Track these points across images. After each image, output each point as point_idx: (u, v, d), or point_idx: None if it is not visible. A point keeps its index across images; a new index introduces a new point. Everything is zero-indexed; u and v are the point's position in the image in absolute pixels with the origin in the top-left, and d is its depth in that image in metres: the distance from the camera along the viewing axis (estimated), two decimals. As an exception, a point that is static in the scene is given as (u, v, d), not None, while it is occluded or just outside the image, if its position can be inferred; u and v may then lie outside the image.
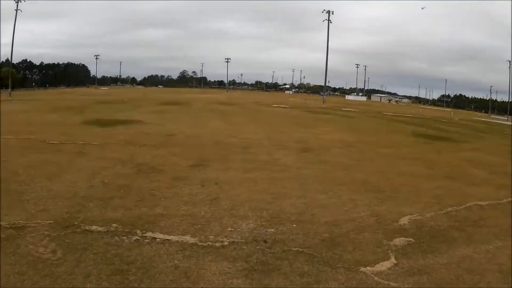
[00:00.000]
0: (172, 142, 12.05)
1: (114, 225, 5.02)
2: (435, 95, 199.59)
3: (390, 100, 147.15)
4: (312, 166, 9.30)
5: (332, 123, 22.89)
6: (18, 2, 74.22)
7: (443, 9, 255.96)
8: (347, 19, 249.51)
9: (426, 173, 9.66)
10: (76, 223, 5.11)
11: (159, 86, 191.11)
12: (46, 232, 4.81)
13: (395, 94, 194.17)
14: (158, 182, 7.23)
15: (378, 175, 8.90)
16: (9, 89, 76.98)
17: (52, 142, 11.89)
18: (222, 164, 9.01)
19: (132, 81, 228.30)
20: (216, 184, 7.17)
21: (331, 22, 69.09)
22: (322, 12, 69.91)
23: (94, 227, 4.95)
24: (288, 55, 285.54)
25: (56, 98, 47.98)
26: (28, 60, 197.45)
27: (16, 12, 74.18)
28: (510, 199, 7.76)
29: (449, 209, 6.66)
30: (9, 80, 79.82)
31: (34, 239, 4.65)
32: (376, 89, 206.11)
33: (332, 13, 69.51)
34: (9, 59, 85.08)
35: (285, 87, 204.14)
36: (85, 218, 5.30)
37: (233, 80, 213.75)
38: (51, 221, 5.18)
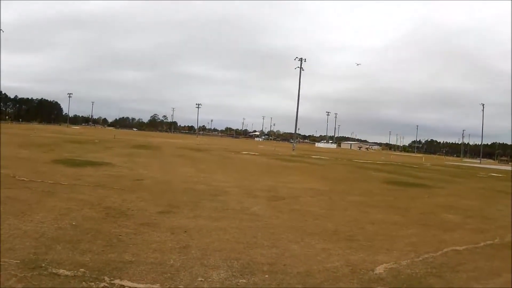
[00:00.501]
0: (141, 187, 11.93)
1: (82, 269, 4.92)
2: (406, 141, 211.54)
3: (360, 147, 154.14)
4: (282, 215, 9.21)
5: (302, 171, 22.91)
6: None
7: (418, 54, 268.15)
8: (320, 66, 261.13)
9: (400, 221, 9.62)
10: (43, 265, 4.98)
11: (133, 129, 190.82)
12: (13, 272, 4.67)
13: (365, 141, 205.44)
14: (126, 227, 7.14)
15: (350, 224, 8.84)
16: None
17: (22, 178, 11.63)
18: (192, 212, 8.94)
19: (104, 122, 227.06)
20: (185, 232, 7.12)
21: (303, 70, 71.20)
22: (295, 59, 72.15)
23: (61, 271, 4.83)
24: (259, 101, 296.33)
25: (27, 134, 47.07)
26: (3, 93, 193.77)
27: None
28: (488, 242, 7.75)
29: (426, 255, 6.57)
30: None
31: (1, 279, 4.54)
32: (346, 136, 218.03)
33: (305, 61, 71.78)
34: None
35: (254, 134, 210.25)
36: (52, 260, 5.18)
37: (203, 126, 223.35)
38: (18, 261, 5.03)
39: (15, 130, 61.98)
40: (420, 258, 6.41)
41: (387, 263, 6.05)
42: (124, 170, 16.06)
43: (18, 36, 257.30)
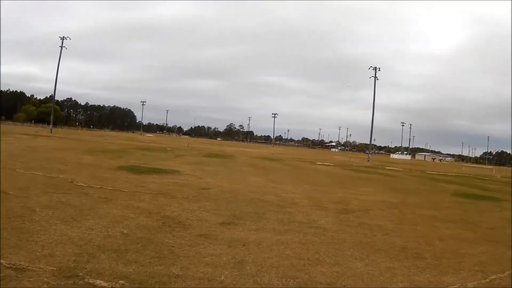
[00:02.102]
0: (205, 196, 12.03)
1: (121, 281, 4.84)
2: (478, 153, 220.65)
3: (434, 159, 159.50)
4: (350, 230, 9.10)
5: (375, 182, 23.29)
6: (63, 40, 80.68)
7: (489, 63, 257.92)
8: (393, 75, 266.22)
9: (469, 237, 9.56)
10: (81, 274, 5.00)
11: (218, 138, 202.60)
12: (45, 279, 4.73)
13: (439, 152, 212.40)
14: (181, 238, 7.07)
15: (419, 239, 8.70)
16: (51, 125, 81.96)
17: (80, 184, 12.22)
18: (255, 223, 8.81)
19: (179, 130, 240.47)
20: (244, 245, 6.92)
21: (377, 79, 75.62)
22: (369, 68, 76.49)
23: (98, 281, 4.80)
24: (335, 111, 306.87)
25: (97, 140, 50.44)
26: (73, 99, 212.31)
27: (61, 49, 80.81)
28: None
29: (493, 277, 6.41)
30: (51, 116, 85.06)
31: (31, 284, 4.59)
32: (420, 147, 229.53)
33: (379, 70, 76.00)
34: (53, 95, 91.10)
35: (331, 145, 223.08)
36: (92, 269, 5.19)
37: (280, 135, 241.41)
38: (54, 268, 5.11)
39: (84, 136, 67.01)
40: (487, 280, 6.35)
41: (453, 285, 5.98)
42: (191, 178, 16.40)
43: (92, 44, 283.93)
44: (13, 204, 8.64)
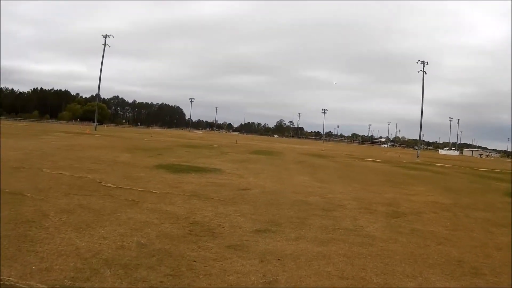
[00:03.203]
0: (244, 198, 11.41)
1: (120, 308, 4.18)
2: None
3: (481, 155, 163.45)
4: (401, 238, 8.35)
5: (426, 180, 22.98)
6: (106, 38, 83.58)
7: None
8: (442, 69, 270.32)
9: None
10: (74, 296, 4.38)
11: (274, 135, 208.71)
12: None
13: (485, 148, 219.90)
14: (207, 250, 6.35)
15: (476, 249, 8.07)
16: (95, 123, 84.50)
17: (108, 185, 11.87)
18: (295, 231, 8.05)
19: (228, 127, 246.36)
20: (278, 259, 6.12)
21: (425, 73, 77.38)
22: (417, 62, 78.48)
23: (90, 307, 4.15)
24: (384, 106, 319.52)
25: (142, 138, 51.15)
26: (120, 97, 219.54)
27: (104, 47, 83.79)
28: None
29: None
30: (95, 114, 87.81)
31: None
32: (468, 143, 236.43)
33: (427, 63, 77.67)
34: (97, 93, 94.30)
35: (380, 140, 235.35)
36: (89, 289, 4.56)
37: (330, 131, 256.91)
38: (45, 287, 4.54)
39: (130, 133, 68.32)
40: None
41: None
42: (232, 177, 15.88)
43: (139, 42, 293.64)
44: (26, 208, 8.33)
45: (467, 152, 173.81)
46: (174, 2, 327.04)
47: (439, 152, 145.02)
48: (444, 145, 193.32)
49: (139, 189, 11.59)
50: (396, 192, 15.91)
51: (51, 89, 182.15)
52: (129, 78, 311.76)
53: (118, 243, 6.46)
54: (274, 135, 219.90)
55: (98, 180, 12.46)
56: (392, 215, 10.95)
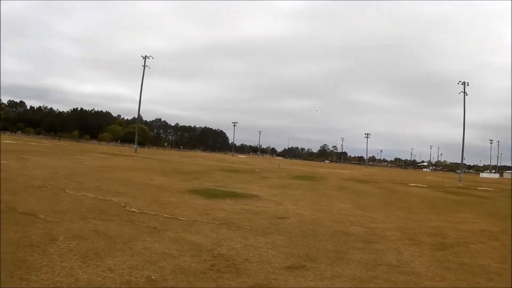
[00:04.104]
0: (279, 228, 10.60)
1: None
2: None
3: None
4: (449, 275, 7.50)
5: (470, 206, 22.41)
6: (145, 58, 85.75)
7: None
8: (482, 91, 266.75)
9: None
10: None
11: (326, 161, 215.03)
12: None
13: None
14: (226, 291, 5.58)
15: None
16: (135, 145, 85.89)
17: (132, 209, 11.33)
18: (331, 267, 7.19)
19: (272, 151, 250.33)
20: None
21: (467, 95, 78.12)
22: (458, 83, 79.47)
23: None
24: (425, 130, 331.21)
25: (182, 161, 51.27)
26: (162, 120, 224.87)
27: (144, 68, 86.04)
28: None
29: None
30: (136, 135, 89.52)
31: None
32: (507, 165, 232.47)
33: (467, 84, 78.18)
34: (137, 114, 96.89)
35: (422, 165, 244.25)
36: None
37: (373, 156, 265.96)
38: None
39: (170, 156, 68.69)
40: None
41: None
42: (269, 204, 15.09)
43: (183, 63, 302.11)
44: (34, 230, 7.91)
45: (507, 174, 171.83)
46: (219, 23, 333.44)
47: (480, 176, 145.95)
48: (484, 168, 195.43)
49: (165, 215, 10.96)
50: (441, 219, 15.18)
51: (91, 110, 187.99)
52: (172, 101, 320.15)
53: (125, 277, 5.77)
54: (326, 161, 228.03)
55: (123, 204, 11.95)
56: (438, 246, 10.17)
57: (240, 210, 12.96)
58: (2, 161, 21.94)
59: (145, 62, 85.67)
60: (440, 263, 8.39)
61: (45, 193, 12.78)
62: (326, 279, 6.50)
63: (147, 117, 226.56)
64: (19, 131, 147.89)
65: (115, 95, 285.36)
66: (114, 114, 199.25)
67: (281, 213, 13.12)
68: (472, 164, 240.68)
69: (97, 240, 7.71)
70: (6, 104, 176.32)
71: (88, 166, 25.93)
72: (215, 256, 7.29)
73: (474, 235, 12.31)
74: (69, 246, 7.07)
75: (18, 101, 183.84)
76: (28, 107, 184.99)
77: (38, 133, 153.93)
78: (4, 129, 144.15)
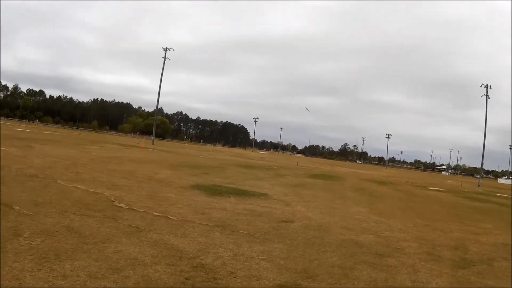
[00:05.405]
0: (280, 234, 9.62)
1: None
2: None
3: None
4: None
5: (491, 214, 21.45)
6: (166, 51, 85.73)
7: None
8: (502, 94, 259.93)
9: None
10: None
11: (357, 162, 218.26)
12: None
13: None
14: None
15: None
16: (152, 137, 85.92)
17: (121, 205, 10.60)
18: None
19: (293, 148, 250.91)
20: None
21: (489, 98, 76.81)
22: (480, 86, 78.55)
23: None
24: (446, 132, 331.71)
25: (198, 154, 50.79)
26: (183, 113, 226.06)
27: (164, 60, 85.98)
28: None
29: None
30: (153, 127, 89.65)
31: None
32: None
33: (490, 87, 77.01)
34: (156, 107, 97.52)
35: (442, 168, 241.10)
36: None
37: (393, 157, 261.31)
38: None
39: (188, 150, 68.44)
40: None
41: None
42: (276, 205, 14.16)
43: (207, 57, 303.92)
44: (3, 223, 7.39)
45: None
46: (244, 17, 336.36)
47: (498, 181, 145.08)
48: (503, 174, 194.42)
49: (155, 213, 10.15)
50: (462, 230, 14.13)
51: (112, 101, 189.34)
52: (195, 94, 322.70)
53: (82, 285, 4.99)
54: (357, 162, 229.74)
55: (112, 199, 11.22)
56: (459, 263, 9.12)
57: (241, 211, 12.10)
58: (3, 148, 21.50)
59: (165, 54, 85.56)
60: (460, 284, 7.45)
61: (34, 183, 12.17)
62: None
63: (169, 109, 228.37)
64: (37, 120, 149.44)
65: (137, 86, 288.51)
66: (136, 106, 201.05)
67: (287, 216, 12.19)
68: (490, 169, 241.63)
69: (66, 238, 6.97)
70: (25, 92, 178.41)
71: (94, 157, 25.41)
72: (195, 267, 6.41)
73: (496, 249, 11.35)
74: (31, 244, 6.40)
75: (37, 90, 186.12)
76: (47, 96, 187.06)
77: (57, 123, 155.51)
78: (23, 117, 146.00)
